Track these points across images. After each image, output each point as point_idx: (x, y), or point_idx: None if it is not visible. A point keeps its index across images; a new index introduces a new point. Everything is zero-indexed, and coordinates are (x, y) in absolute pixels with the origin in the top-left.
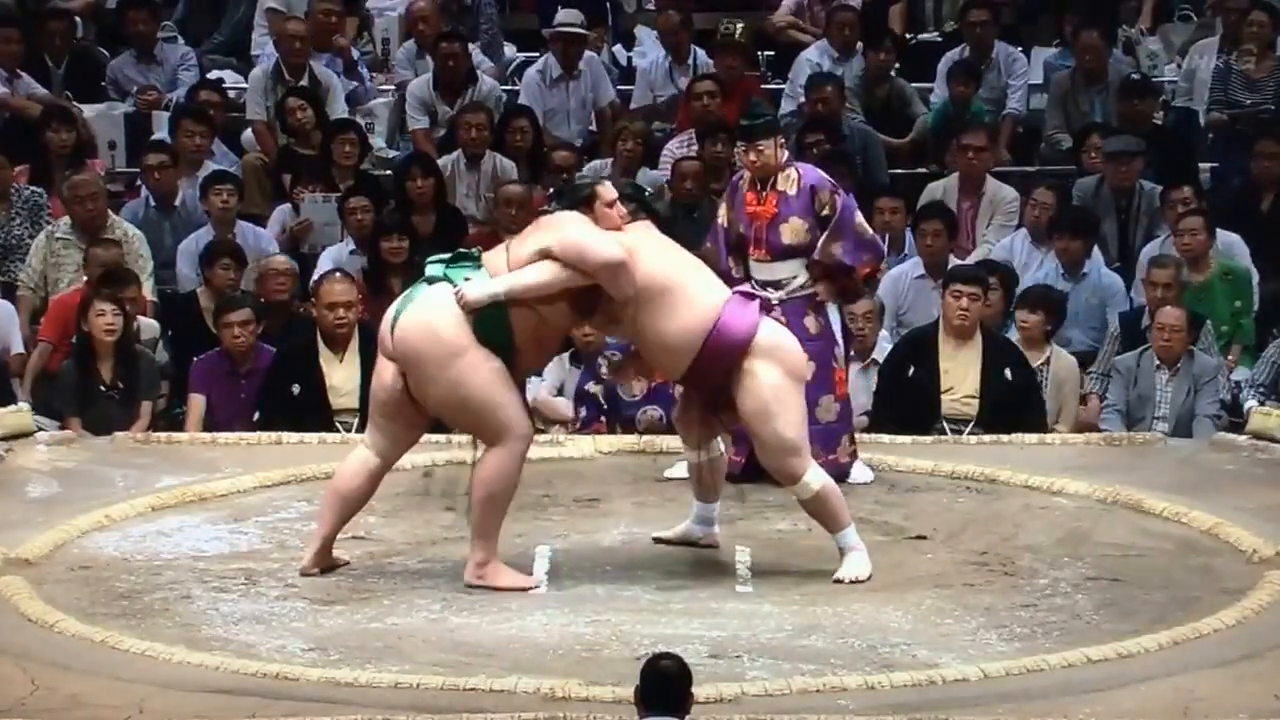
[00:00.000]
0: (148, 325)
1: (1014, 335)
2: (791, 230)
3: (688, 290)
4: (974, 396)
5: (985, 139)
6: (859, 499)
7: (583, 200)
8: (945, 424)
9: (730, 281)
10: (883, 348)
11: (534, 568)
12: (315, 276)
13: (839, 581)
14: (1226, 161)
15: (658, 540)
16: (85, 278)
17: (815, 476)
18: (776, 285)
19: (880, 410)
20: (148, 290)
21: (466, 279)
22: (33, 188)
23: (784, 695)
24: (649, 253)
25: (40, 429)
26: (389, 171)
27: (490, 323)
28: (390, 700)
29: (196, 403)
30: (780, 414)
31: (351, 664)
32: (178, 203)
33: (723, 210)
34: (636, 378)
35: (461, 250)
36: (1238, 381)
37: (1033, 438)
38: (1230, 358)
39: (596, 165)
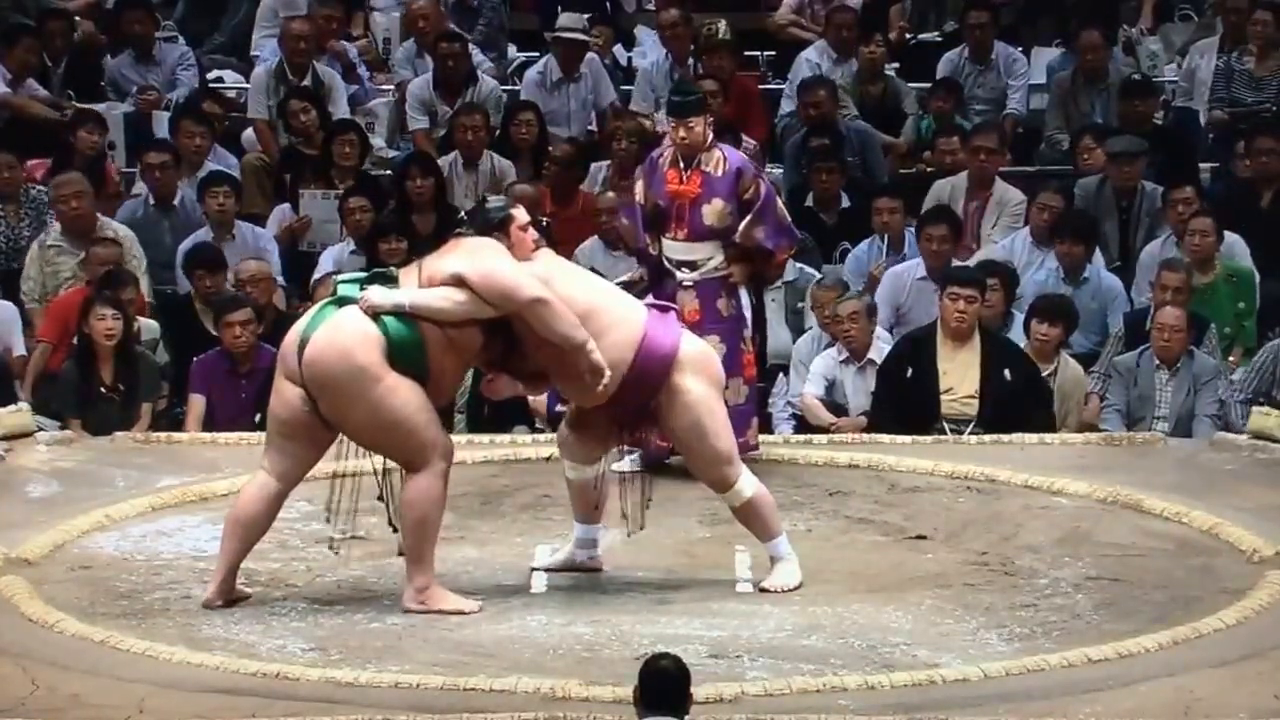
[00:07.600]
0: (148, 326)
1: (1020, 341)
2: (714, 212)
3: (611, 311)
4: (973, 397)
5: (996, 140)
6: (860, 499)
7: (497, 224)
8: (945, 424)
9: (645, 259)
10: (881, 348)
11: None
12: (316, 276)
13: (766, 590)
14: (1227, 161)
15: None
16: (86, 279)
17: (747, 484)
18: (692, 266)
19: (880, 410)
20: (144, 290)
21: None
22: (39, 187)
23: (784, 695)
24: (564, 278)
25: (40, 429)
26: (389, 171)
27: (406, 348)
28: (390, 700)
29: (196, 403)
30: (711, 425)
31: (351, 664)
32: (176, 202)
33: (639, 187)
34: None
35: (378, 270)
36: (1233, 382)
37: (1033, 438)
38: (1232, 359)
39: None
